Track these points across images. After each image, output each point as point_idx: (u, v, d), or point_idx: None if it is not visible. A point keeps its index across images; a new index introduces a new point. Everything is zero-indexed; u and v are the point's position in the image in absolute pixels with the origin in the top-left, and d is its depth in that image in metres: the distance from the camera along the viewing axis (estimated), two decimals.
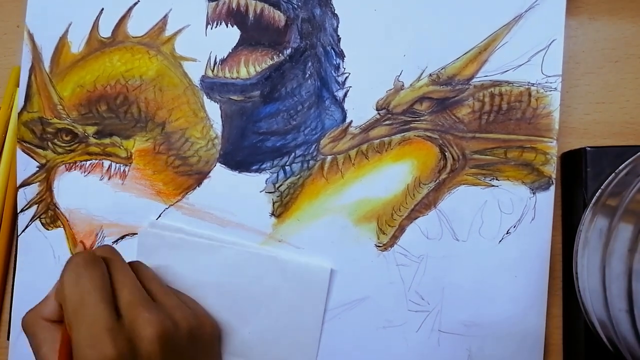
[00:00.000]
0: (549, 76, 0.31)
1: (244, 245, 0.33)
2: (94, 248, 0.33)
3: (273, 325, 0.32)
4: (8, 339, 0.35)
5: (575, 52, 0.32)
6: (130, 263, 0.31)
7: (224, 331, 0.33)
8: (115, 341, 0.24)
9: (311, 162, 0.32)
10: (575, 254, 0.28)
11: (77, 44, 0.34)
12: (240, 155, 0.33)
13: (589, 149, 0.29)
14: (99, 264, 0.28)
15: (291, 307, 0.32)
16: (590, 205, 0.28)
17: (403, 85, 0.32)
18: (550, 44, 0.31)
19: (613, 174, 0.29)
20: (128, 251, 0.33)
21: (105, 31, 0.34)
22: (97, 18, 0.34)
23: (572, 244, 0.29)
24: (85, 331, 0.24)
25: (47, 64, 0.35)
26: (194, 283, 0.33)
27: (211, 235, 0.33)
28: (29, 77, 0.35)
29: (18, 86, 0.35)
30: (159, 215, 0.34)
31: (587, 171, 0.29)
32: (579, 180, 0.30)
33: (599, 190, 0.28)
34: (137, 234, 0.34)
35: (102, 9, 0.34)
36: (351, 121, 0.32)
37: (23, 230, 0.35)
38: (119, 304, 0.27)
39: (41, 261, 0.35)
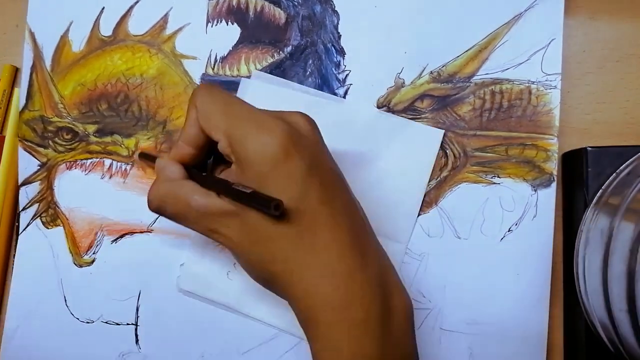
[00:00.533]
0: (549, 74, 0.31)
1: (357, 104, 0.32)
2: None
3: (378, 185, 0.31)
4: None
5: (576, 52, 0.32)
6: None
7: None
8: (279, 124, 0.24)
9: None
10: (576, 254, 0.28)
11: (78, 43, 0.35)
12: None
13: (589, 149, 0.29)
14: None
15: (399, 169, 0.31)
16: (591, 205, 0.28)
17: (404, 83, 0.32)
18: (549, 43, 0.31)
19: (614, 174, 0.29)
20: (129, 250, 0.33)
21: (106, 30, 0.34)
22: (98, 17, 0.34)
23: (573, 244, 0.29)
24: (249, 122, 0.24)
25: (48, 62, 0.35)
26: None
27: (318, 93, 0.32)
28: (30, 76, 0.35)
29: (13, 84, 0.35)
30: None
31: (588, 171, 0.29)
32: (580, 181, 0.30)
33: (600, 191, 0.28)
34: (137, 233, 0.34)
35: (103, 7, 0.34)
36: None
37: (24, 229, 0.35)
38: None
39: (40, 259, 0.35)
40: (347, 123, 0.32)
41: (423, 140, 0.31)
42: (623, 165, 0.29)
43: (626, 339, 0.24)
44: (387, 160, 0.31)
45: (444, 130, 0.31)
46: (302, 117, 0.25)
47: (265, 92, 0.32)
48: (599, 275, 0.25)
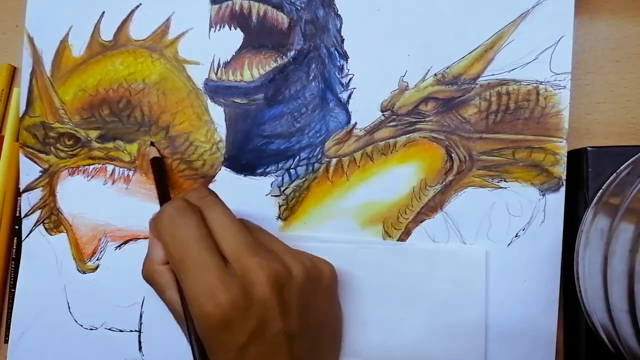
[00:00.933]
0: (558, 74, 0.30)
1: (373, 243, 0.31)
2: (185, 193, 0.29)
3: (430, 322, 0.30)
4: (6, 342, 0.35)
5: (576, 51, 0.31)
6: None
7: (375, 337, 0.31)
8: (228, 289, 0.23)
9: (316, 165, 0.32)
10: (576, 254, 0.28)
11: (78, 48, 0.34)
12: (245, 158, 0.33)
13: (590, 149, 0.29)
14: (192, 211, 0.26)
15: (447, 298, 0.30)
16: (592, 205, 0.28)
17: (408, 86, 0.31)
18: (558, 41, 0.30)
19: (614, 174, 0.28)
20: (133, 256, 0.33)
21: (106, 34, 0.34)
22: (98, 21, 0.34)
23: (573, 244, 0.28)
24: (195, 284, 0.24)
25: (47, 67, 0.35)
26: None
27: (346, 240, 0.31)
28: (30, 81, 0.35)
29: (11, 84, 0.35)
30: None
31: (589, 171, 0.29)
32: (580, 180, 0.29)
33: (600, 191, 0.28)
34: (141, 239, 0.34)
35: (103, 12, 0.34)
36: (355, 123, 0.32)
37: (27, 236, 0.35)
38: (224, 250, 0.25)
39: (43, 266, 0.35)
40: (382, 264, 0.31)
41: (466, 261, 0.30)
42: (623, 165, 0.28)
43: (626, 339, 0.24)
44: (437, 291, 0.30)
45: (485, 250, 0.30)
46: (266, 278, 0.24)
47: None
48: (599, 276, 0.25)
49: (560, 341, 0.31)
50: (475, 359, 0.30)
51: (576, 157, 0.30)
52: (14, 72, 0.37)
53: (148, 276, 0.28)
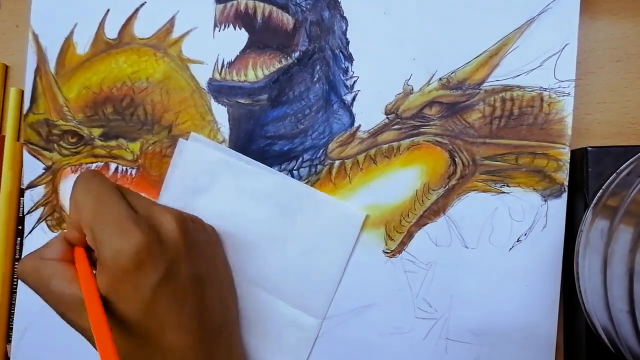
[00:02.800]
0: (562, 81, 0.30)
1: (285, 177, 0.32)
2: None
3: (297, 259, 0.32)
4: (8, 342, 0.35)
5: (576, 51, 0.32)
6: None
7: (248, 258, 0.32)
8: (140, 228, 0.24)
9: (319, 167, 0.32)
10: (576, 254, 0.28)
11: (82, 45, 0.34)
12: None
13: (590, 149, 0.29)
14: (103, 174, 0.28)
15: (318, 245, 0.32)
16: (592, 205, 0.28)
17: (412, 90, 0.31)
18: (563, 48, 0.30)
19: (614, 174, 0.28)
20: None
21: (111, 32, 0.34)
22: (103, 19, 0.34)
23: (573, 244, 0.28)
24: (111, 225, 0.24)
25: (52, 65, 0.34)
26: (225, 204, 0.32)
27: (252, 162, 0.32)
28: (35, 79, 0.35)
29: (5, 83, 0.35)
30: None
31: (589, 171, 0.29)
32: (580, 180, 0.29)
33: (600, 191, 0.28)
34: None
35: (108, 10, 0.34)
36: (359, 125, 0.32)
37: (29, 233, 0.35)
38: (132, 204, 0.26)
39: None
40: (271, 194, 0.32)
41: (345, 220, 0.32)
42: (623, 166, 0.28)
43: (627, 339, 0.24)
44: (310, 236, 0.32)
45: (366, 213, 0.31)
46: (173, 219, 0.26)
47: (200, 155, 0.33)
48: (599, 276, 0.25)
49: (560, 341, 0.31)
50: (319, 309, 0.32)
51: (576, 157, 0.30)
52: (7, 71, 0.37)
53: (31, 270, 0.26)
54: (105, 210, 0.25)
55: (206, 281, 0.27)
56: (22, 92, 0.36)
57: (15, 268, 0.36)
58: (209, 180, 0.32)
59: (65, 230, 0.29)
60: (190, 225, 0.27)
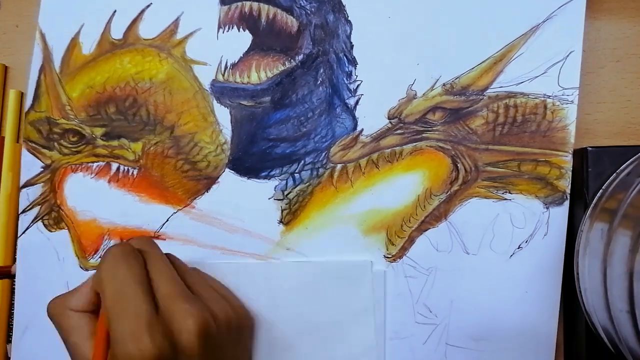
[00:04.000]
0: (566, 88, 0.30)
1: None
2: (131, 239, 0.31)
3: (326, 341, 0.31)
4: (8, 342, 0.35)
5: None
6: (166, 254, 0.30)
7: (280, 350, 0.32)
8: (154, 337, 0.24)
9: (321, 170, 0.32)
10: (576, 254, 0.28)
11: (88, 45, 0.34)
12: (250, 161, 0.33)
13: (590, 149, 0.29)
14: (135, 255, 0.27)
15: (341, 311, 0.31)
16: (591, 205, 0.28)
17: (416, 94, 0.31)
18: (567, 56, 0.30)
19: (614, 174, 0.28)
20: None
21: (116, 33, 0.34)
22: (109, 20, 0.34)
23: (573, 245, 0.28)
24: (126, 324, 0.24)
25: (57, 64, 0.34)
26: None
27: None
28: (39, 77, 0.35)
29: (4, 84, 0.35)
30: (167, 220, 0.33)
31: (589, 171, 0.29)
32: (580, 181, 0.29)
33: (600, 191, 0.28)
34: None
35: (115, 10, 0.34)
36: (362, 129, 0.32)
37: (24, 232, 0.35)
38: (157, 296, 0.26)
39: (44, 263, 0.34)
40: (274, 287, 0.32)
41: (354, 274, 0.31)
42: (623, 166, 0.28)
43: (627, 339, 0.24)
44: (328, 309, 0.31)
45: (371, 261, 0.31)
46: (194, 326, 0.25)
47: None
48: (599, 276, 0.25)
49: (561, 341, 0.31)
50: None
51: (576, 157, 0.30)
52: (6, 71, 0.37)
53: (55, 315, 0.27)
54: (124, 307, 0.25)
55: None
56: (22, 93, 0.36)
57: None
58: None
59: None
60: (213, 327, 0.26)
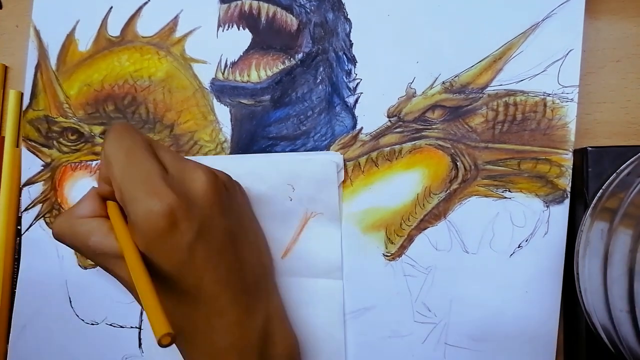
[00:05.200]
0: (566, 86, 0.30)
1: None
2: None
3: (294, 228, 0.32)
4: (7, 342, 0.35)
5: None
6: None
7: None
8: (172, 187, 0.24)
9: None
10: (576, 254, 0.28)
11: (84, 42, 0.34)
12: None
13: (590, 149, 0.29)
14: (136, 129, 0.28)
15: (310, 204, 0.32)
16: (592, 205, 0.28)
17: (415, 93, 0.31)
18: (567, 54, 0.30)
19: (614, 174, 0.28)
20: None
21: (113, 30, 0.34)
22: (105, 16, 0.34)
23: (573, 244, 0.28)
24: (141, 184, 0.24)
25: (53, 61, 0.34)
26: None
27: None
28: (35, 75, 0.34)
29: (4, 84, 0.35)
30: None
31: (589, 171, 0.29)
32: (580, 180, 0.29)
33: (600, 191, 0.28)
34: None
35: (111, 7, 0.34)
36: (362, 128, 0.32)
37: (27, 229, 0.35)
38: (164, 161, 0.26)
39: (45, 260, 0.35)
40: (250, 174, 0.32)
41: (322, 168, 0.31)
42: (623, 166, 0.28)
43: (627, 339, 0.24)
44: (295, 200, 0.32)
45: (342, 155, 0.31)
46: (204, 176, 0.26)
47: None
48: (599, 276, 0.25)
49: (561, 341, 0.31)
50: (334, 271, 0.32)
51: (576, 157, 0.30)
52: (6, 71, 0.37)
53: (66, 228, 0.26)
54: (136, 169, 0.24)
55: (239, 235, 0.27)
56: (22, 94, 0.36)
57: (16, 268, 0.35)
58: None
59: (96, 186, 0.28)
60: (220, 181, 0.27)
